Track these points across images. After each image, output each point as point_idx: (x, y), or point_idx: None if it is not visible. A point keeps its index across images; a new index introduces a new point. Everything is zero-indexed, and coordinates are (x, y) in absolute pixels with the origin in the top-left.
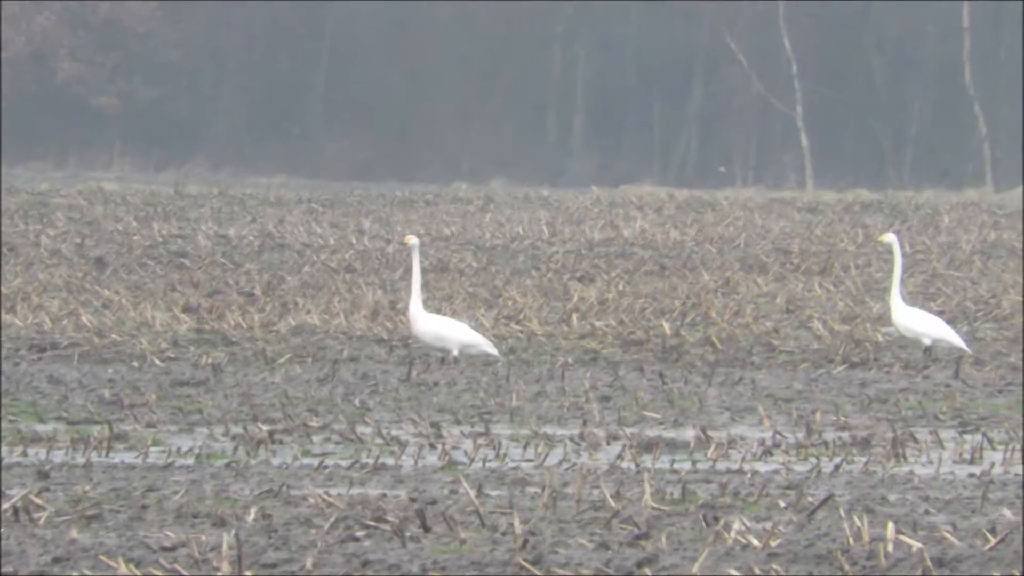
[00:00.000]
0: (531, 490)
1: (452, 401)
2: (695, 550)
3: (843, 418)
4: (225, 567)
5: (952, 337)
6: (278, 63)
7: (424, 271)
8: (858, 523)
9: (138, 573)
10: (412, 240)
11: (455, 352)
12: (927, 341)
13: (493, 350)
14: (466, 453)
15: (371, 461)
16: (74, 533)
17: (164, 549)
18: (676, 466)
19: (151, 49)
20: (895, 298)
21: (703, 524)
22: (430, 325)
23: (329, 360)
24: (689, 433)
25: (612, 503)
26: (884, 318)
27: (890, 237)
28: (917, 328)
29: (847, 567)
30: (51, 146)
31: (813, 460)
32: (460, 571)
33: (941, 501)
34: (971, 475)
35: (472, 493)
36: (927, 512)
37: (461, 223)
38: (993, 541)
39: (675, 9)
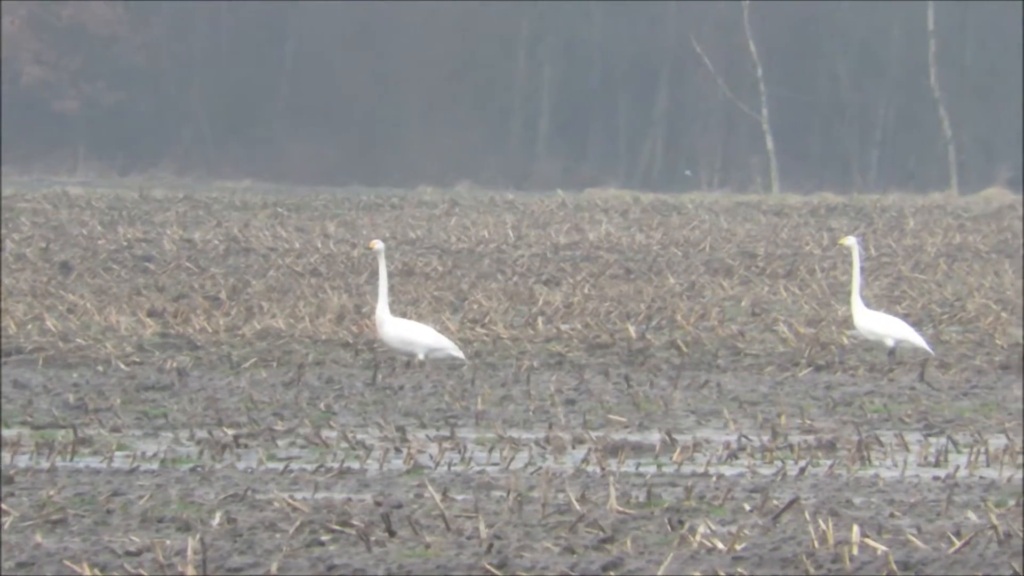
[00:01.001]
0: (496, 494)
1: (417, 405)
2: (660, 554)
3: (808, 421)
4: (190, 571)
5: (915, 338)
6: (243, 67)
7: (390, 275)
8: (823, 526)
9: None
10: (378, 245)
11: (421, 356)
12: (890, 343)
13: (459, 353)
14: (431, 457)
15: (336, 465)
16: (39, 538)
17: (129, 554)
18: (641, 470)
19: (115, 53)
20: (856, 301)
21: (668, 528)
22: (397, 329)
23: (294, 364)
24: (654, 436)
25: (577, 507)
26: (849, 321)
27: (851, 241)
28: (879, 331)
29: (812, 570)
30: (15, 151)
31: (778, 463)
32: (426, 575)
33: (906, 504)
34: (936, 478)
35: (437, 497)
36: (892, 515)
37: (426, 227)
38: (958, 544)
39: (640, 12)
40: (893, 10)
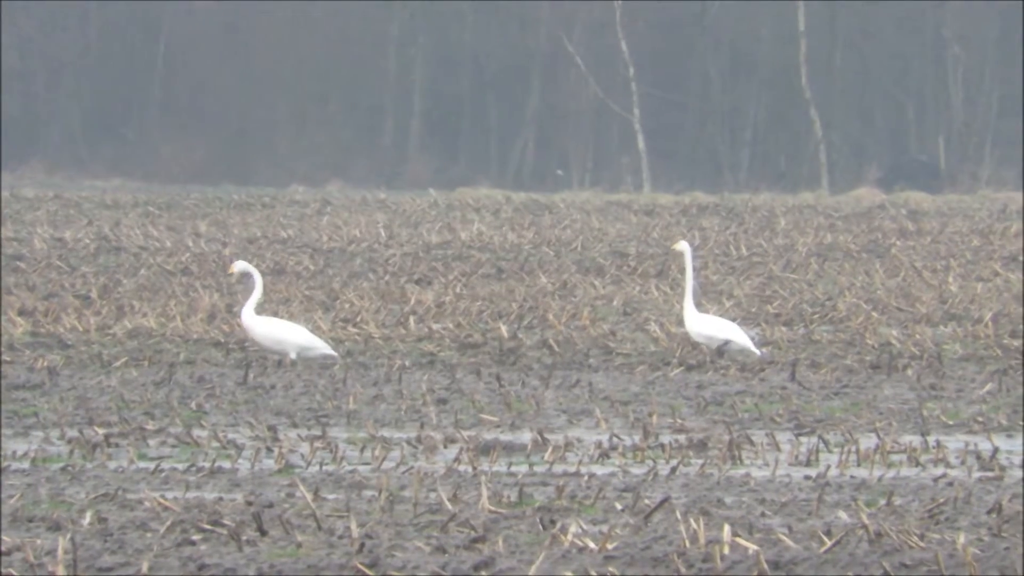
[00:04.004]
0: (368, 493)
1: (289, 404)
2: (532, 553)
3: (680, 420)
4: (60, 571)
5: (744, 340)
6: (113, 66)
7: (262, 274)
8: (694, 525)
9: None
10: (238, 265)
11: (293, 355)
12: (720, 344)
13: (331, 351)
14: (303, 456)
15: (207, 465)
16: None
17: None
18: (513, 469)
19: None
20: (688, 305)
21: (540, 527)
22: (266, 329)
23: (165, 363)
24: (526, 436)
25: (449, 506)
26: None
27: (682, 246)
28: (709, 333)
29: (683, 569)
30: None
31: (650, 463)
32: (297, 575)
33: (777, 504)
34: (807, 478)
35: (309, 496)
36: (763, 515)
37: (298, 226)
38: (828, 544)
39: (512, 12)
40: (764, 11)
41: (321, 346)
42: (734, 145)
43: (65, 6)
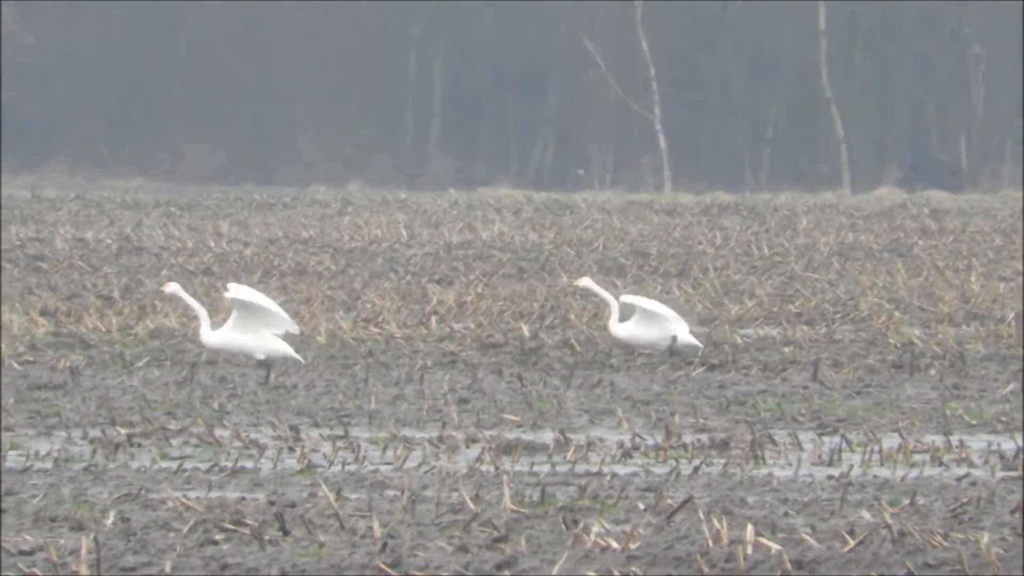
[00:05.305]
0: (390, 493)
1: (310, 404)
2: (554, 553)
3: (702, 420)
4: (84, 571)
5: (685, 335)
6: (134, 65)
7: (282, 274)
8: (717, 525)
9: None
10: (170, 287)
11: (261, 355)
12: (658, 343)
13: (292, 352)
14: (325, 456)
15: (230, 464)
16: None
17: (23, 553)
18: (535, 469)
19: (4, 52)
20: (614, 319)
21: (562, 527)
22: (223, 339)
23: (187, 363)
24: (548, 436)
25: (471, 506)
26: (743, 320)
27: (585, 282)
28: (632, 338)
29: (706, 569)
30: None
31: (672, 462)
32: (319, 574)
33: (800, 503)
34: (830, 477)
35: (331, 496)
36: (786, 514)
37: (319, 226)
38: (852, 543)
39: (531, 12)
40: (784, 10)
41: (285, 348)
42: (755, 144)
43: (85, 5)
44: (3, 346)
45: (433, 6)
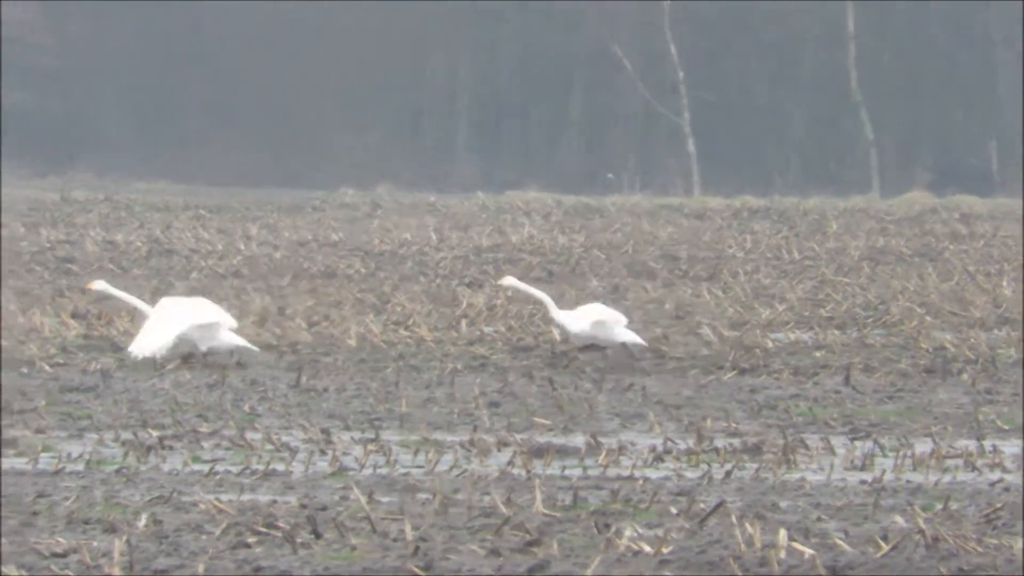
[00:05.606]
0: (422, 496)
1: (341, 407)
2: (587, 557)
3: (733, 424)
4: (117, 572)
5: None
6: (159, 68)
7: (312, 277)
8: (750, 530)
9: None
10: (97, 285)
11: (204, 348)
12: (602, 340)
13: (243, 343)
14: (356, 459)
15: (261, 467)
16: None
17: (55, 555)
18: (567, 472)
19: (29, 54)
20: (555, 312)
21: (594, 531)
22: (159, 345)
23: (218, 366)
24: (579, 439)
25: (503, 509)
26: (773, 324)
27: (509, 280)
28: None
29: (739, 573)
30: None
31: (704, 466)
32: None
33: (833, 508)
34: (862, 482)
35: (363, 499)
36: (819, 519)
37: (348, 229)
38: (885, 548)
39: (557, 13)
40: (812, 13)
41: (241, 340)
42: (784, 148)
43: (109, 7)
44: (34, 348)
45: (456, 7)
